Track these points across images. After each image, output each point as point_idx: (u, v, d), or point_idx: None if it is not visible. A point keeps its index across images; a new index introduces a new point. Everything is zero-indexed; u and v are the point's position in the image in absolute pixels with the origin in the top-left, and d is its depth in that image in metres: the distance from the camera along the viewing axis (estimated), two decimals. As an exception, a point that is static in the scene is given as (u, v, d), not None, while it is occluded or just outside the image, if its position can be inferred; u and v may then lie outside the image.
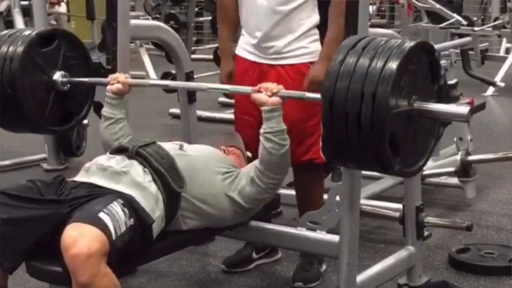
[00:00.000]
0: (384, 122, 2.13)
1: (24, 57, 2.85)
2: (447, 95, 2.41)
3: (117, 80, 2.87)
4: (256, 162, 2.72)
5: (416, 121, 2.26)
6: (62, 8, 12.00)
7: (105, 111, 2.90)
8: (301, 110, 2.97)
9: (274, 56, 3.05)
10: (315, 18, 3.04)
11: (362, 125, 2.14)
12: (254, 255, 3.37)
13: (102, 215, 2.26)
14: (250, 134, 2.99)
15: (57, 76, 2.96)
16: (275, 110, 2.61)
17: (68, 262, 2.17)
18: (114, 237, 2.24)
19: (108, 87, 2.88)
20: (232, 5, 3.18)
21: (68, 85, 2.98)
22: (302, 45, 3.02)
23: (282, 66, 3.04)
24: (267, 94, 2.61)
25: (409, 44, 2.21)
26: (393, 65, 2.14)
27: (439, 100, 2.34)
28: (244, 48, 3.15)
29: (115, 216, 2.28)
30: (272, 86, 2.62)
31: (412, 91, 2.23)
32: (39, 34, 2.93)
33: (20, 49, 2.85)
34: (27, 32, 2.95)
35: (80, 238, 2.17)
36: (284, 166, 2.70)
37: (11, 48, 2.86)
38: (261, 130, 2.65)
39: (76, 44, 3.08)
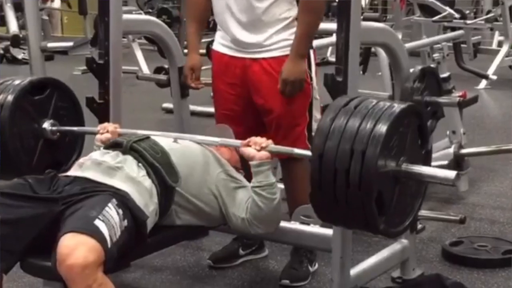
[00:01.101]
0: (372, 180, 2.15)
1: (15, 103, 2.84)
2: (430, 161, 2.44)
3: (107, 129, 2.85)
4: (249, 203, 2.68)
5: (403, 182, 2.28)
6: (56, 3, 11.98)
7: None
8: (288, 104, 2.98)
9: (256, 49, 3.03)
10: (295, 10, 3.00)
11: (350, 182, 2.16)
12: (241, 251, 3.37)
13: (97, 222, 2.24)
14: (233, 129, 2.99)
15: (47, 124, 2.95)
16: (263, 164, 2.60)
17: (64, 273, 2.17)
18: (109, 245, 2.23)
19: (97, 136, 2.85)
20: (202, 1, 3.17)
21: (58, 134, 2.96)
22: (284, 37, 2.99)
23: (265, 59, 3.02)
24: (255, 148, 2.60)
25: (399, 106, 2.24)
26: (383, 125, 2.17)
27: (426, 165, 2.36)
28: (222, 43, 3.12)
29: (110, 222, 2.27)
30: (261, 140, 2.61)
31: (401, 152, 2.25)
32: (31, 82, 2.93)
33: (11, 96, 2.84)
34: (19, 80, 2.94)
35: (76, 249, 2.16)
36: (272, 219, 2.68)
37: (2, 95, 2.86)
38: (251, 184, 2.65)
39: (68, 94, 3.06)
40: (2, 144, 2.81)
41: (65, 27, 13.12)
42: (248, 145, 2.62)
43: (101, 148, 2.72)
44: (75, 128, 3.03)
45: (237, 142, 2.70)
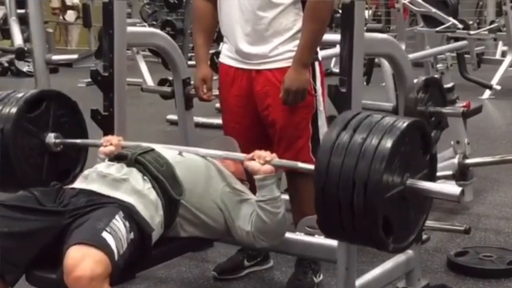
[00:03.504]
0: (376, 210, 2.15)
1: (14, 126, 2.83)
2: (435, 167, 2.42)
3: (110, 142, 2.84)
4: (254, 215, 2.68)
5: (408, 198, 2.27)
6: (70, 16, 12.00)
7: None
8: (290, 115, 2.98)
9: (260, 61, 3.02)
10: (300, 22, 2.98)
11: (355, 212, 2.16)
12: (246, 263, 3.36)
13: (105, 234, 2.24)
14: (239, 141, 2.99)
15: (49, 138, 2.95)
16: (268, 178, 2.60)
17: (70, 284, 2.17)
18: (116, 257, 2.24)
19: (101, 149, 2.84)
20: (208, 11, 3.16)
21: (61, 146, 2.98)
22: (289, 49, 2.98)
23: (270, 70, 3.01)
24: (259, 162, 2.59)
25: (400, 125, 2.20)
26: (384, 152, 2.13)
27: (432, 170, 2.35)
28: (229, 55, 3.12)
29: (117, 234, 2.27)
30: (265, 154, 2.61)
31: (404, 169, 2.23)
32: (26, 101, 2.90)
33: (10, 119, 2.83)
34: (16, 97, 2.91)
35: (83, 261, 2.16)
36: (277, 233, 2.68)
37: (1, 114, 2.85)
38: (255, 198, 2.65)
39: (64, 101, 3.06)
40: (10, 169, 2.79)
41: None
42: (252, 159, 2.62)
43: (106, 160, 2.72)
44: (78, 141, 3.03)
45: (241, 155, 2.70)
